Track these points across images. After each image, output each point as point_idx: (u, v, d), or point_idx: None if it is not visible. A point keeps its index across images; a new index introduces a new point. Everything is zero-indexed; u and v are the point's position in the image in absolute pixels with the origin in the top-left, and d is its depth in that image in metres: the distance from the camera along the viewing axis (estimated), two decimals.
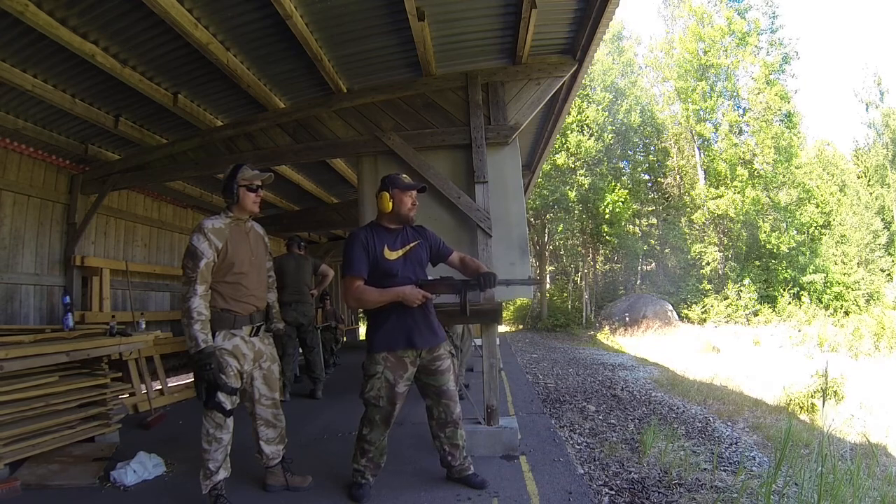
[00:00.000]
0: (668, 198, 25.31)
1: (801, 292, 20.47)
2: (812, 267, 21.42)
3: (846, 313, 19.79)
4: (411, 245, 2.57)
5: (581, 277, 22.97)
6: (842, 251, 23.73)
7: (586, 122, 20.26)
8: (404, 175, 2.60)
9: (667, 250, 24.53)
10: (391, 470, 2.94)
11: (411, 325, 2.47)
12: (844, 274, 22.31)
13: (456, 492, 2.64)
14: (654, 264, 25.37)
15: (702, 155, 23.32)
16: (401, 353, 2.48)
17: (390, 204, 2.50)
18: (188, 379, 5.85)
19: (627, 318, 18.61)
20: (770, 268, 21.49)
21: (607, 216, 20.09)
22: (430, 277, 2.60)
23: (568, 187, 19.44)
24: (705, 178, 23.09)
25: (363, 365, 2.55)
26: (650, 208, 25.42)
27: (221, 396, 2.38)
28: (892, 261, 24.44)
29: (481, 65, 3.83)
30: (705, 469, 3.47)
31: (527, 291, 3.74)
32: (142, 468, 2.90)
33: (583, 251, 22.81)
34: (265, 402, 2.63)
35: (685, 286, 21.97)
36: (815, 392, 7.71)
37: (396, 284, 2.43)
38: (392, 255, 2.49)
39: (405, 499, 2.56)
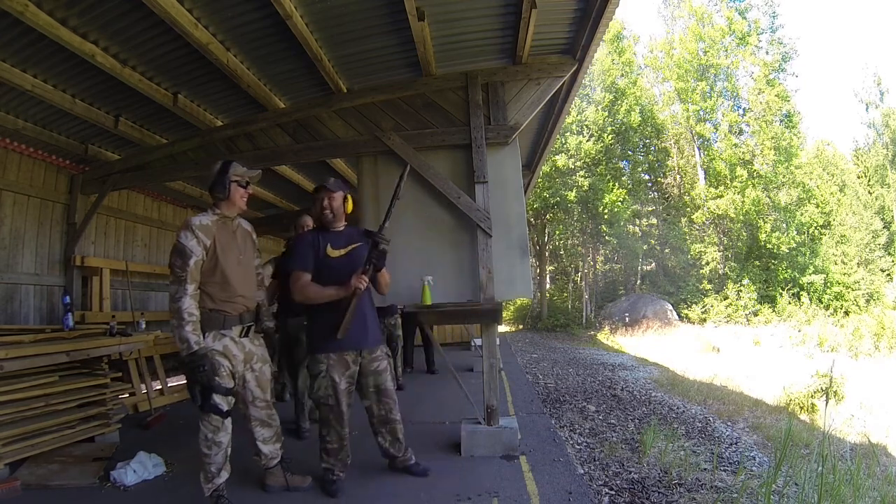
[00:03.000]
0: (668, 198, 25.29)
1: (801, 292, 20.46)
2: (812, 267, 21.41)
3: (846, 313, 19.77)
4: (355, 245, 2.72)
5: (581, 277, 22.95)
6: (842, 251, 23.72)
7: (586, 122, 20.25)
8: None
9: (667, 250, 24.51)
10: (391, 470, 2.94)
11: (357, 327, 2.58)
12: (844, 274, 22.30)
13: (456, 492, 2.64)
14: (654, 264, 25.35)
15: (702, 155, 23.31)
16: (343, 353, 2.61)
17: (351, 205, 2.76)
18: None
19: (627, 318, 18.60)
20: (770, 268, 21.47)
21: (606, 216, 20.08)
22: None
23: (567, 189, 19.42)
24: (705, 178, 23.08)
25: (307, 366, 2.68)
26: (650, 208, 25.40)
27: (217, 398, 2.34)
28: (892, 261, 24.43)
29: (481, 65, 3.83)
30: (705, 469, 3.47)
31: (527, 291, 3.74)
32: (142, 468, 2.90)
33: (583, 251, 22.79)
34: (259, 403, 2.61)
35: (685, 286, 21.96)
36: (815, 392, 7.71)
37: (337, 281, 2.55)
38: (334, 253, 2.67)
39: (405, 499, 2.56)
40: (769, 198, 21.64)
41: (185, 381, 2.62)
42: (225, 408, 2.39)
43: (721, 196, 21.42)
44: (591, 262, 23.52)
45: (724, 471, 3.53)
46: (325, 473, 2.74)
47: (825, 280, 21.06)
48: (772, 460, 3.89)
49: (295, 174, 6.41)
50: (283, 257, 4.93)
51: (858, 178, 29.39)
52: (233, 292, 2.47)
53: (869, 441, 4.72)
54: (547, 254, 23.38)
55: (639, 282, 24.44)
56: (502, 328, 19.17)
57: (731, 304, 20.19)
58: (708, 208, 21.88)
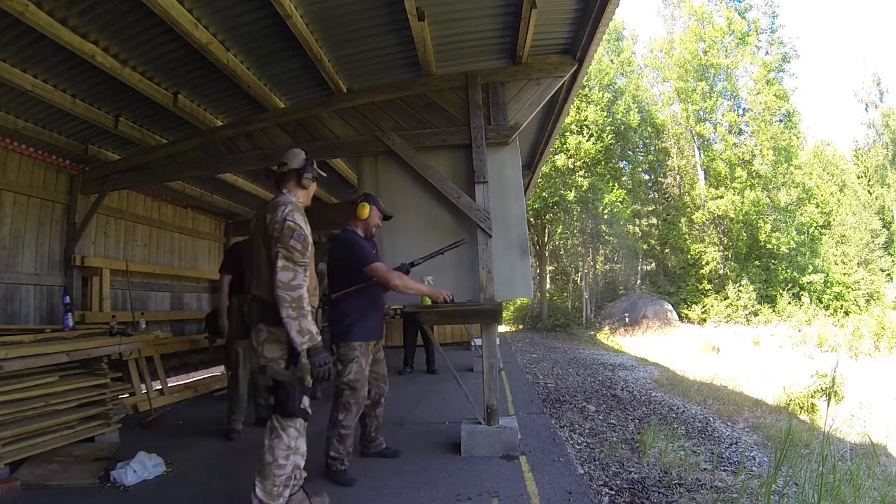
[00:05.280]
0: (668, 198, 25.29)
1: (801, 292, 20.47)
2: (812, 267, 21.42)
3: (846, 313, 19.78)
4: (374, 253, 3.08)
5: (581, 277, 22.95)
6: (842, 251, 23.74)
7: (585, 122, 20.24)
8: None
9: (667, 250, 24.51)
10: (391, 470, 2.94)
11: (379, 321, 3.08)
12: (844, 274, 22.32)
13: (456, 492, 2.64)
14: (654, 264, 25.34)
15: (702, 155, 23.32)
16: (368, 343, 2.92)
17: (367, 212, 2.99)
18: (188, 379, 5.86)
19: (627, 318, 18.60)
20: (770, 268, 21.48)
21: (606, 216, 20.09)
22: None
23: (567, 189, 19.42)
24: (705, 178, 23.09)
25: (335, 352, 2.79)
26: (650, 208, 25.38)
27: (306, 399, 2.16)
28: (892, 261, 24.45)
29: (481, 65, 3.83)
30: (705, 469, 3.47)
31: (527, 291, 3.74)
32: (142, 468, 2.90)
33: (583, 251, 22.79)
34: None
35: (685, 286, 21.96)
36: (815, 392, 7.71)
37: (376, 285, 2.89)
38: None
39: (405, 499, 2.56)
40: (769, 198, 21.64)
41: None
42: (309, 410, 2.21)
43: (721, 196, 21.42)
44: (591, 262, 23.52)
45: (724, 471, 3.53)
46: (333, 464, 2.78)
47: (825, 280, 21.08)
48: (772, 460, 3.89)
49: None
50: None
51: (858, 178, 29.40)
52: (314, 284, 2.32)
53: (869, 441, 4.72)
54: (547, 254, 23.38)
55: (639, 282, 24.44)
56: (502, 328, 19.17)
57: (731, 304, 20.20)
58: (708, 208, 21.89)
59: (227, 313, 3.92)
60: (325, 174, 2.57)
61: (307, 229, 2.18)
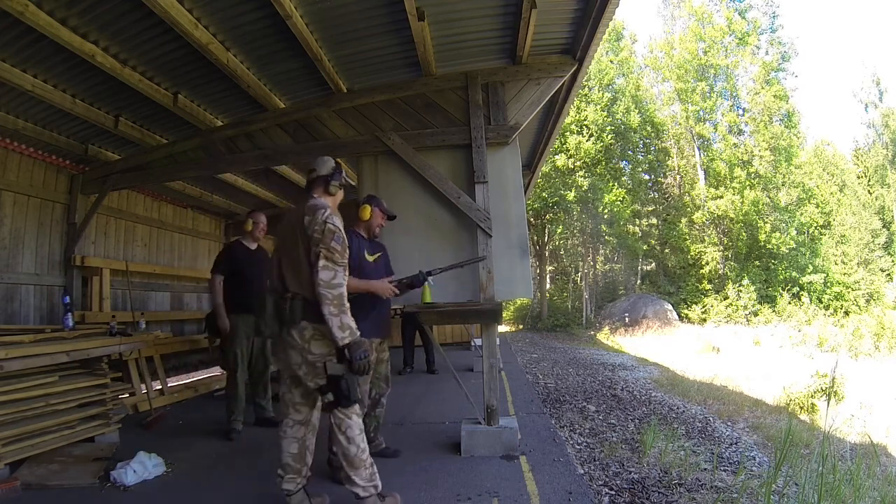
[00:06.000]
0: (668, 198, 25.30)
1: (801, 292, 20.47)
2: (812, 267, 21.42)
3: (846, 313, 19.79)
4: (379, 254, 3.15)
5: (581, 277, 22.95)
6: (842, 251, 23.75)
7: (585, 122, 20.25)
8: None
9: (667, 250, 24.51)
10: (391, 470, 2.94)
11: (386, 318, 3.13)
12: (844, 274, 22.33)
13: (456, 492, 2.64)
14: (654, 264, 25.34)
15: (702, 155, 23.32)
16: (373, 341, 2.91)
17: (368, 214, 3.01)
18: (188, 379, 5.86)
19: (627, 318, 18.60)
20: (770, 268, 21.49)
21: (606, 216, 20.09)
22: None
23: (567, 189, 19.42)
24: (705, 178, 23.09)
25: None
26: (650, 208, 25.39)
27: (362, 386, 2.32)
28: (892, 261, 24.45)
29: (481, 65, 3.83)
30: (705, 469, 3.47)
31: (527, 291, 3.74)
32: (142, 468, 2.90)
33: (583, 251, 22.79)
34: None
35: (685, 286, 21.96)
36: (815, 392, 7.71)
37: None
38: (370, 258, 3.03)
39: (405, 499, 2.56)
40: (769, 198, 21.65)
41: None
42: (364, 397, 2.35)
43: (721, 196, 21.43)
44: (591, 262, 23.52)
45: (724, 471, 3.53)
46: (335, 460, 2.75)
47: (825, 280, 21.08)
48: (772, 460, 3.89)
49: (295, 174, 6.41)
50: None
51: (858, 178, 29.40)
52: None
53: (869, 441, 4.72)
54: (547, 254, 23.37)
55: (639, 282, 24.44)
56: (502, 328, 19.17)
57: (731, 304, 20.21)
58: (708, 208, 21.89)
59: (224, 311, 3.89)
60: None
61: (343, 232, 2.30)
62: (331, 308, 2.14)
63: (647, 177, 24.64)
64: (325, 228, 2.20)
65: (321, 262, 2.17)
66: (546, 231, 21.89)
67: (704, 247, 22.55)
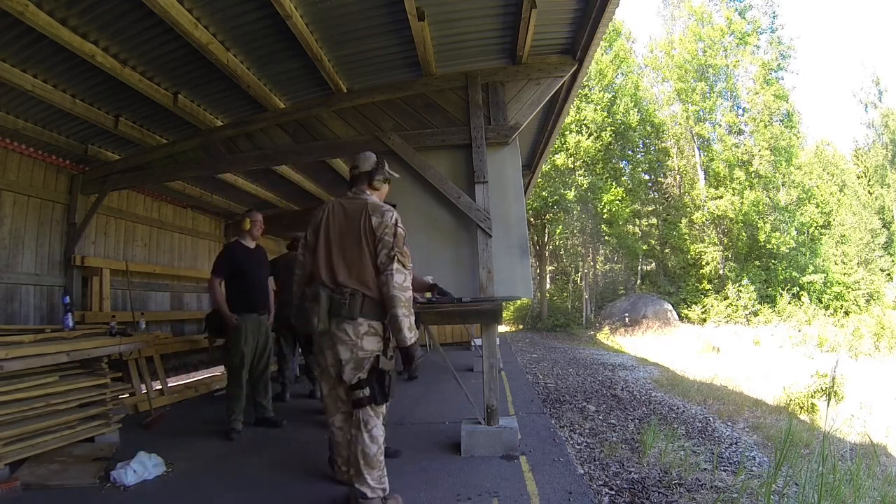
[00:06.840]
0: (668, 198, 25.30)
1: (801, 292, 20.47)
2: (812, 267, 21.42)
3: (846, 313, 19.79)
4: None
5: (581, 277, 22.95)
6: (842, 251, 23.74)
7: (584, 121, 20.25)
8: None
9: (667, 250, 24.51)
10: (391, 470, 2.93)
11: None
12: (844, 274, 22.32)
13: (456, 492, 2.64)
14: (654, 264, 25.34)
15: (702, 155, 23.32)
16: None
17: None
18: (188, 379, 5.86)
19: (627, 318, 18.61)
20: (770, 268, 21.49)
21: (606, 216, 20.09)
22: None
23: (566, 188, 19.43)
24: (705, 178, 23.09)
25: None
26: (650, 208, 25.39)
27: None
28: (892, 261, 24.45)
29: (481, 65, 3.84)
30: (705, 469, 3.47)
31: (527, 291, 3.74)
32: (142, 468, 2.90)
33: (583, 251, 22.79)
34: None
35: (685, 286, 21.96)
36: (815, 392, 7.71)
37: None
38: None
39: (405, 499, 2.56)
40: (769, 198, 21.65)
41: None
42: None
43: (721, 196, 21.43)
44: (591, 262, 23.52)
45: (724, 471, 3.53)
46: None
47: (825, 280, 21.08)
48: (772, 460, 3.89)
49: (295, 174, 6.41)
50: (283, 259, 5.01)
51: (858, 178, 29.40)
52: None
53: (869, 441, 4.72)
54: (547, 254, 23.37)
55: (639, 282, 24.44)
56: (502, 328, 19.17)
57: (731, 304, 20.20)
58: (707, 208, 21.89)
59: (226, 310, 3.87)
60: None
61: None
62: (403, 310, 2.21)
63: (646, 177, 24.63)
64: (396, 231, 2.28)
65: (395, 266, 2.22)
66: (546, 231, 21.90)
67: (704, 247, 22.55)
